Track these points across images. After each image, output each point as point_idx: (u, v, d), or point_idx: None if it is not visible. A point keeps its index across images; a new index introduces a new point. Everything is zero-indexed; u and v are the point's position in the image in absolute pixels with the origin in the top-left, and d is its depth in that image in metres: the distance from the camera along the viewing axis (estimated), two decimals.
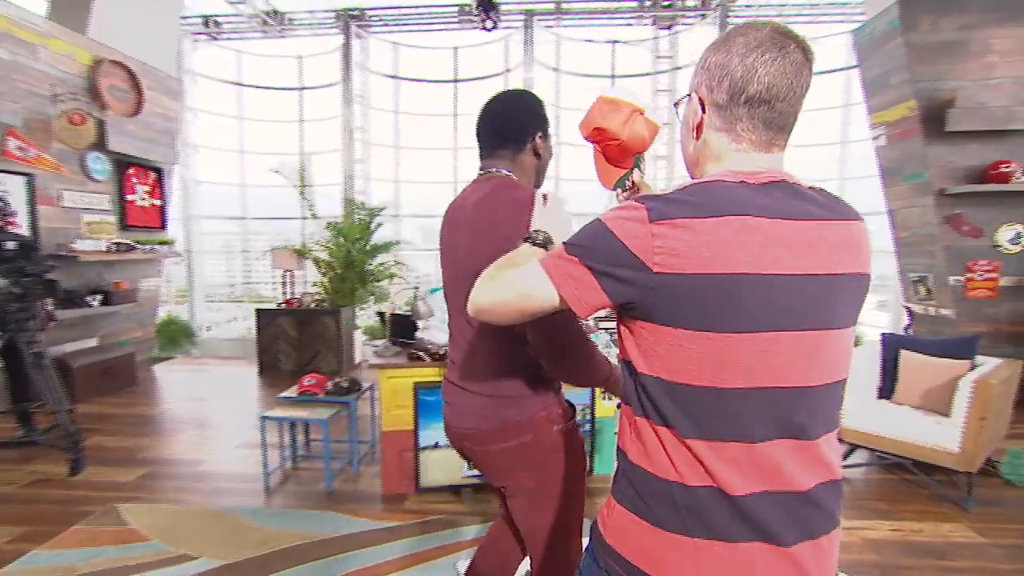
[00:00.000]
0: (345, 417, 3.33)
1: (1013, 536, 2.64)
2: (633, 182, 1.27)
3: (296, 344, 6.02)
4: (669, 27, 7.52)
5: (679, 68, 7.64)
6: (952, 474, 3.17)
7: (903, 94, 4.84)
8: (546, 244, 0.99)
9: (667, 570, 0.77)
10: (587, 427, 3.09)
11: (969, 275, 4.77)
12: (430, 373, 3.00)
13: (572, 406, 1.39)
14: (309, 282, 6.91)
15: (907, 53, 4.70)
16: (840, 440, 1.18)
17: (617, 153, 1.22)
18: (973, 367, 3.14)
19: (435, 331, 3.16)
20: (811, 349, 0.76)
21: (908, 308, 5.36)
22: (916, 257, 5.19)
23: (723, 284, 0.72)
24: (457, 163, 7.69)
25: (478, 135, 1.40)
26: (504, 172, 1.36)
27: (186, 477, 3.31)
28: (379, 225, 6.55)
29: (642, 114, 1.18)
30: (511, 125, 1.36)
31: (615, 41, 7.63)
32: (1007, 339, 4.76)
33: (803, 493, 0.77)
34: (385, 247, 6.52)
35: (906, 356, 3.38)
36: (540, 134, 1.37)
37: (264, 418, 3.09)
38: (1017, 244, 4.77)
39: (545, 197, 1.13)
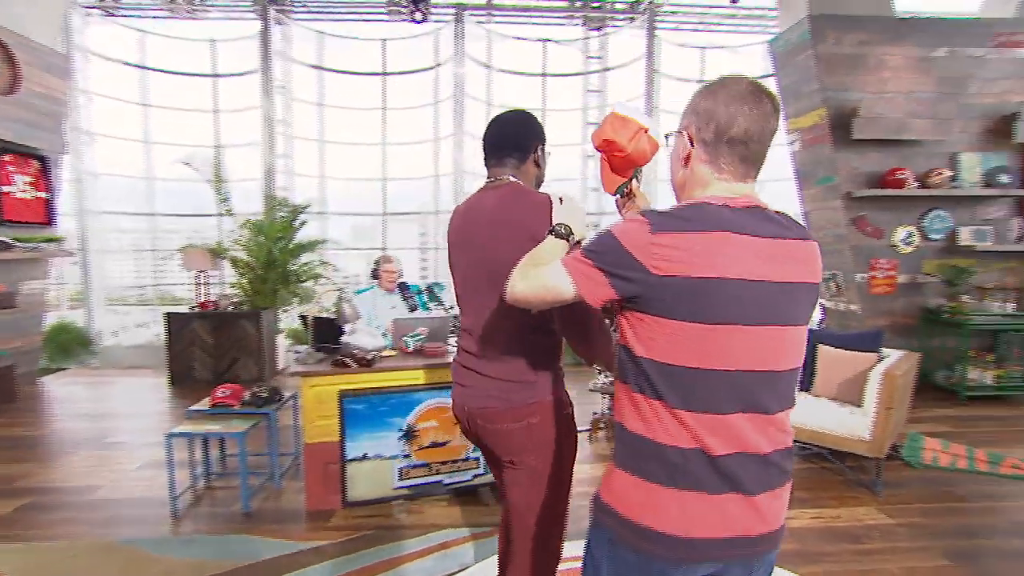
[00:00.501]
0: (265, 429, 3.08)
1: (915, 515, 2.84)
2: (631, 189, 1.39)
3: (212, 351, 5.58)
4: (599, 28, 7.62)
5: (609, 69, 7.76)
6: (862, 460, 3.38)
7: (814, 102, 5.14)
8: (567, 236, 1.21)
9: (659, 518, 0.94)
10: None
11: (872, 273, 5.15)
12: (357, 380, 2.83)
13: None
14: (228, 283, 6.43)
15: (817, 64, 5.00)
16: None
17: (621, 164, 1.36)
18: (880, 359, 3.36)
19: (362, 335, 2.98)
20: (776, 341, 0.96)
21: (821, 304, 5.72)
22: (827, 256, 5.53)
23: (708, 285, 0.90)
24: (386, 159, 7.43)
25: (486, 146, 1.57)
26: (511, 179, 1.52)
27: (75, 507, 2.93)
28: (303, 223, 6.19)
29: (646, 132, 1.33)
30: (517, 138, 1.54)
31: (546, 40, 7.64)
32: (903, 331, 5.18)
33: (764, 456, 0.96)
34: (310, 246, 6.18)
35: (823, 350, 3.57)
36: (540, 147, 1.56)
37: (170, 435, 2.79)
38: (910, 244, 5.20)
39: (560, 199, 1.32)
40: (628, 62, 7.66)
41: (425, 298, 4.01)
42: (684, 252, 0.90)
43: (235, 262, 5.93)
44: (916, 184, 4.99)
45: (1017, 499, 3.05)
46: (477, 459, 2.94)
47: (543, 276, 1.02)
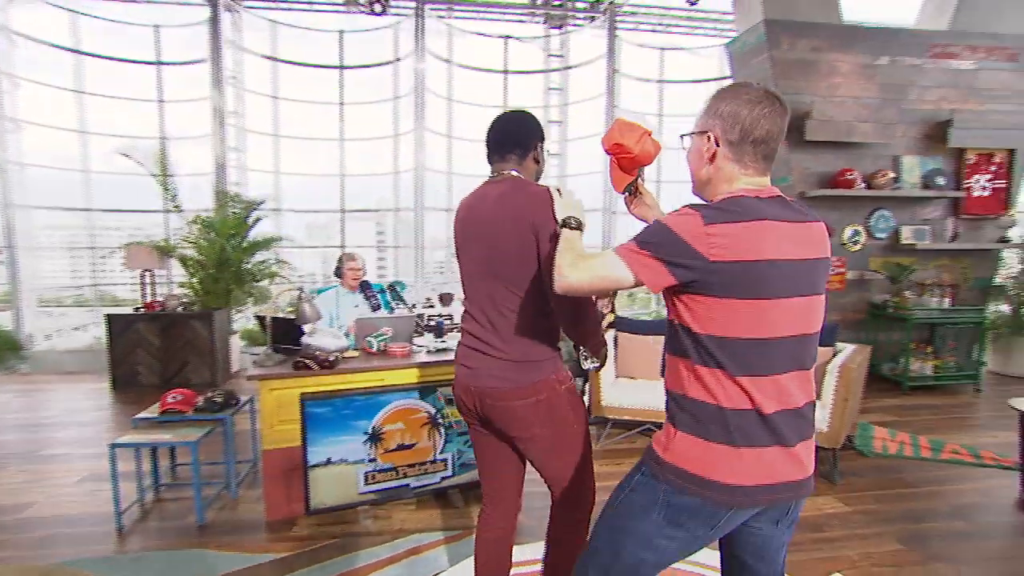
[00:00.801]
0: (220, 436, 2.92)
1: (869, 502, 2.96)
2: (637, 187, 1.52)
3: (159, 354, 5.28)
4: (560, 27, 7.64)
5: (570, 67, 7.80)
6: (819, 451, 3.50)
7: None
8: (580, 227, 1.36)
9: (719, 471, 1.10)
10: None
11: None
12: (319, 383, 2.72)
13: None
14: (176, 282, 6.10)
15: (772, 67, 5.16)
16: None
17: (628, 164, 1.49)
18: (835, 353, 3.50)
19: (324, 336, 2.86)
20: (808, 308, 1.13)
21: None
22: None
23: (756, 267, 1.06)
24: (344, 155, 7.22)
25: (489, 143, 1.66)
26: (514, 173, 1.63)
27: (4, 528, 2.70)
28: (257, 220, 5.94)
29: (650, 135, 1.46)
30: (518, 136, 1.63)
31: (508, 36, 7.61)
32: (852, 325, 5.42)
33: (799, 409, 1.13)
34: (265, 243, 5.94)
35: None
36: (540, 144, 1.67)
37: (114, 445, 2.61)
38: (857, 243, 5.44)
39: (559, 191, 1.49)
40: (589, 60, 7.72)
41: (388, 297, 3.91)
42: (734, 239, 1.05)
43: (185, 260, 5.63)
44: (863, 185, 5.23)
45: (957, 483, 3.22)
46: (445, 460, 2.88)
47: (598, 267, 1.15)
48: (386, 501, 2.80)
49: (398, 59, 7.24)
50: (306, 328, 3.03)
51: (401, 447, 2.78)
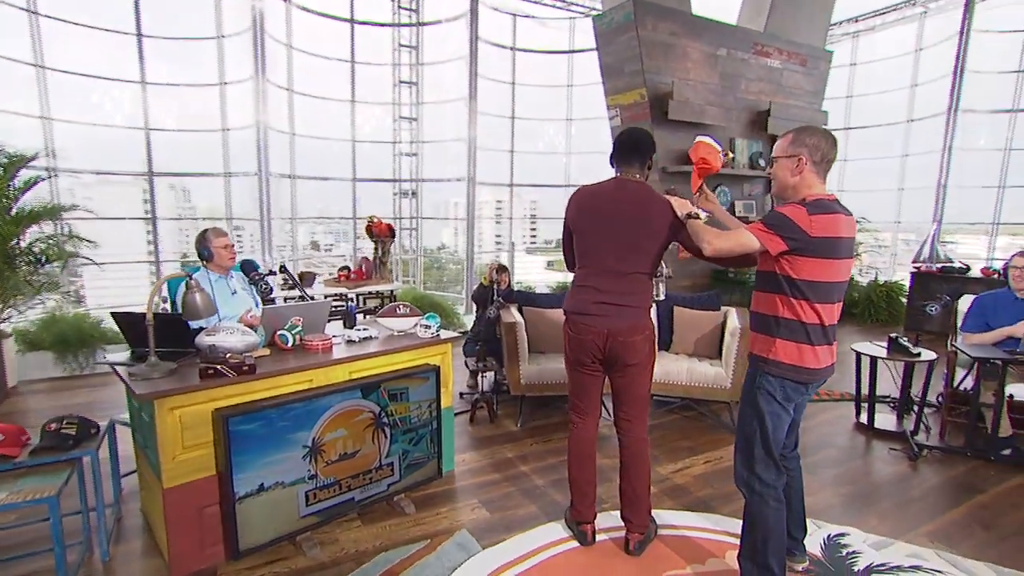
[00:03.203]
0: (77, 481, 2.19)
1: None
2: (702, 186, 2.29)
3: None
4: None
5: (424, 24, 7.39)
6: (712, 404, 3.99)
7: (635, 82, 5.71)
8: (698, 216, 2.06)
9: (804, 361, 1.84)
10: (434, 424, 2.77)
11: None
12: (236, 394, 2.20)
13: None
14: None
15: (639, 46, 5.53)
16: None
17: (703, 172, 2.29)
18: (725, 317, 3.98)
19: (228, 334, 2.30)
20: (850, 265, 1.90)
21: None
22: None
23: (833, 241, 1.78)
24: (147, 103, 5.81)
25: (623, 149, 2.26)
26: (638, 178, 2.24)
27: None
28: (32, 182, 4.53)
29: (720, 153, 2.29)
30: (646, 150, 2.25)
31: (355, 21, 6.88)
32: (702, 288, 6.23)
33: (836, 324, 1.89)
34: (47, 213, 4.56)
35: (678, 311, 4.06)
36: (652, 156, 2.28)
37: None
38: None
39: (675, 194, 2.24)
40: (448, 18, 7.41)
41: (270, 281, 3.34)
42: (823, 225, 1.76)
43: None
44: None
45: (816, 417, 3.94)
46: (391, 464, 2.59)
47: (738, 238, 1.84)
48: (328, 521, 2.42)
49: (222, 36, 6.02)
50: (202, 324, 2.45)
51: (344, 457, 2.41)
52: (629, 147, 2.25)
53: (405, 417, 2.64)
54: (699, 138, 2.32)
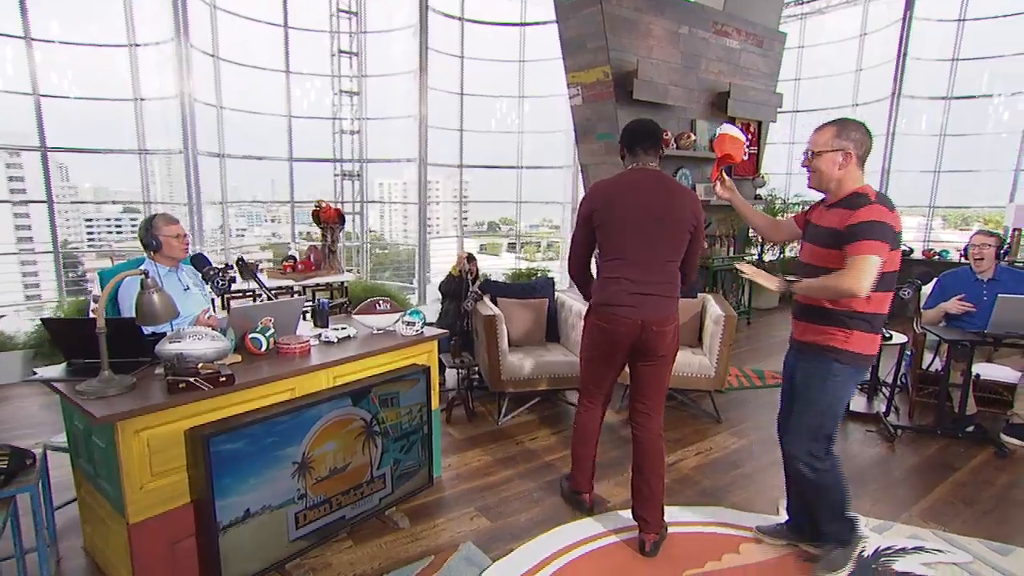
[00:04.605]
0: (12, 517, 1.93)
1: (752, 433, 3.61)
2: (721, 174, 2.47)
3: None
4: None
5: (367, 33, 7.03)
6: (691, 393, 4.10)
7: (599, 59, 5.69)
8: (796, 281, 2.12)
9: (870, 349, 2.05)
10: (424, 429, 2.66)
11: None
12: (213, 408, 2.01)
13: None
14: None
15: (603, 20, 5.51)
16: None
17: (725, 161, 2.44)
18: (704, 305, 4.08)
19: (195, 339, 2.09)
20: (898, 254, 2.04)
21: None
22: None
23: (900, 232, 1.98)
24: (34, 62, 5.13)
25: (637, 141, 2.38)
26: (655, 167, 2.38)
27: None
28: None
29: (744, 144, 2.44)
30: (659, 138, 2.38)
31: None
32: None
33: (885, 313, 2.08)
34: None
35: None
36: (665, 146, 2.57)
37: None
38: None
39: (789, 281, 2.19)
40: None
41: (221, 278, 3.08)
42: (897, 217, 1.93)
43: None
44: (674, 146, 6.10)
45: (772, 397, 4.13)
46: (383, 477, 2.47)
47: (871, 271, 1.87)
48: (318, 544, 2.27)
49: None
50: (155, 330, 2.21)
51: (334, 472, 2.27)
52: (644, 136, 2.36)
53: (396, 423, 2.51)
54: (722, 130, 2.41)
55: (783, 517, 2.48)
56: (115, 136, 5.83)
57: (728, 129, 2.41)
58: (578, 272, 2.57)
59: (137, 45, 5.58)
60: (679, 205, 2.29)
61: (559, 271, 8.40)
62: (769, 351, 5.60)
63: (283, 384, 2.23)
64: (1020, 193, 7.49)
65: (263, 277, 4.88)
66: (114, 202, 5.72)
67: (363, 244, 7.68)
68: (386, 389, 2.46)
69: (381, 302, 2.86)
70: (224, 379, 2.02)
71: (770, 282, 2.03)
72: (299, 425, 2.12)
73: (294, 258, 5.11)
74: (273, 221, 8.96)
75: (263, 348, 2.39)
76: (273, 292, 4.71)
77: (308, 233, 7.02)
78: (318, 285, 5.24)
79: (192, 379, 1.97)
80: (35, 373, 2.21)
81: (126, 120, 5.71)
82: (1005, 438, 3.40)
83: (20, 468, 1.98)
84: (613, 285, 2.33)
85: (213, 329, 2.43)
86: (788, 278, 2.03)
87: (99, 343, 1.95)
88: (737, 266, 2.18)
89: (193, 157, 5.53)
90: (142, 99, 5.68)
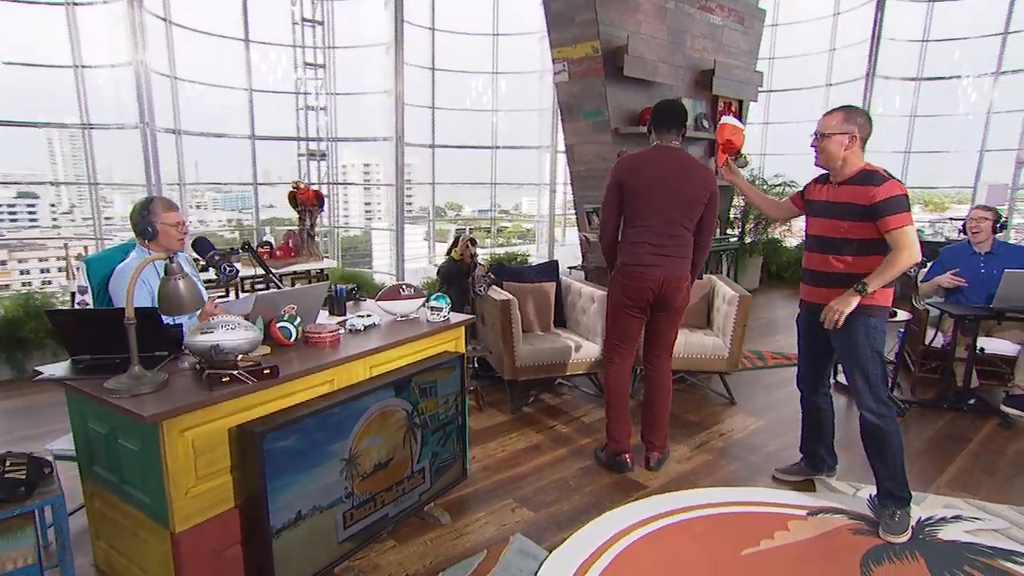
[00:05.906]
0: (33, 535, 1.80)
1: (768, 413, 3.74)
2: (727, 160, 2.90)
3: None
4: None
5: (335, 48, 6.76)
6: (699, 375, 4.21)
7: (588, 33, 5.68)
8: (864, 291, 2.39)
9: (889, 301, 2.45)
10: (459, 420, 2.64)
11: None
12: (255, 404, 1.92)
13: None
14: None
15: None
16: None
17: (727, 147, 2.88)
18: (712, 286, 4.19)
19: (229, 329, 1.98)
20: None
21: (586, 237, 6.60)
22: (591, 190, 6.37)
23: None
24: None
25: (662, 121, 2.80)
26: (677, 145, 2.82)
27: None
28: None
29: (744, 131, 2.96)
30: (682, 118, 2.81)
31: None
32: None
33: None
34: None
35: None
36: (687, 125, 2.99)
37: None
38: None
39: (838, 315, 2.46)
40: None
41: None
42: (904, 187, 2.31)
43: None
44: None
45: (777, 377, 4.29)
46: (422, 471, 2.43)
47: (913, 240, 2.25)
48: (364, 545, 2.22)
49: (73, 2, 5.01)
50: (183, 320, 2.10)
51: (378, 467, 2.22)
52: (668, 115, 2.80)
53: (434, 414, 2.48)
54: (724, 120, 2.96)
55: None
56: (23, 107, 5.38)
57: (728, 119, 2.94)
58: (610, 239, 2.94)
59: (77, 4, 5.19)
60: (694, 179, 2.75)
61: (536, 257, 8.42)
62: (760, 331, 5.81)
63: (322, 376, 2.16)
64: (985, 174, 8.03)
65: (238, 266, 4.68)
66: (92, 183, 5.30)
67: (332, 228, 7.46)
68: (425, 378, 2.41)
69: (405, 287, 2.80)
70: (268, 371, 1.93)
71: (854, 299, 2.30)
72: (347, 419, 2.06)
73: (270, 244, 4.93)
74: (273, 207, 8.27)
75: (292, 338, 2.29)
76: (257, 281, 4.54)
77: (274, 218, 6.76)
78: (296, 273, 5.08)
79: (235, 372, 1.88)
80: (39, 372, 2.05)
81: (65, 91, 5.32)
82: (1007, 409, 3.66)
83: (40, 478, 1.85)
84: (637, 248, 2.80)
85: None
86: (858, 287, 2.30)
87: (129, 336, 1.82)
88: (825, 320, 2.37)
89: (152, 133, 5.19)
90: (82, 66, 5.29)
